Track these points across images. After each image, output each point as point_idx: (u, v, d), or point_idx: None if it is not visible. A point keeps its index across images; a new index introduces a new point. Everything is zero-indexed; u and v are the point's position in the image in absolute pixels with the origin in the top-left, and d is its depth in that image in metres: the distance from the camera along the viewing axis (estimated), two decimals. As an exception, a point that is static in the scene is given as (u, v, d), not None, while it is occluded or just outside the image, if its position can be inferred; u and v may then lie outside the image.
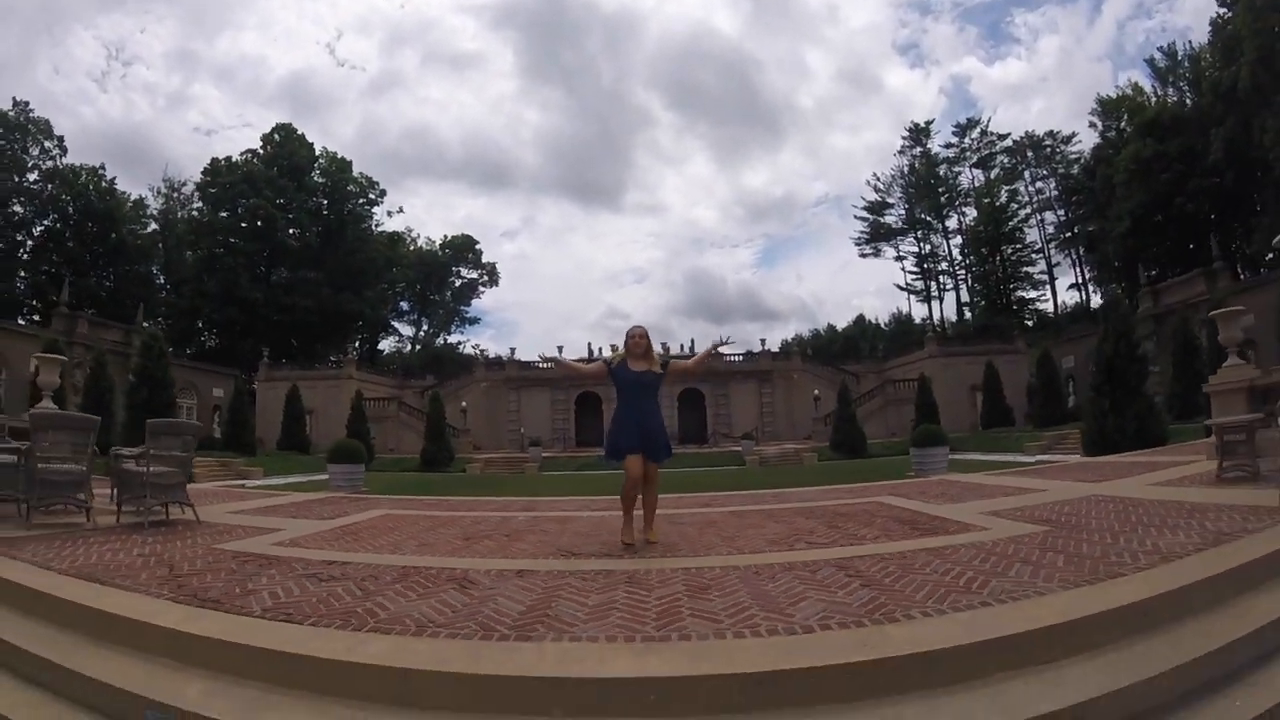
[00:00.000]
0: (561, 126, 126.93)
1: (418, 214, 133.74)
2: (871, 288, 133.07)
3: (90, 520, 7.58)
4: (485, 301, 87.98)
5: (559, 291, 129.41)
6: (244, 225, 59.34)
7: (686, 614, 3.79)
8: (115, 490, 7.97)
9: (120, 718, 3.21)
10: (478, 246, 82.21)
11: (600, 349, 50.74)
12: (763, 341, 54.17)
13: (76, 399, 22.73)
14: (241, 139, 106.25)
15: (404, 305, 78.31)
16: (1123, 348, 17.32)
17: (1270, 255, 41.35)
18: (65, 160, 54.31)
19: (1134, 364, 17.21)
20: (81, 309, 39.46)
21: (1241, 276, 36.96)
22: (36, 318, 45.69)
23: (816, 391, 43.85)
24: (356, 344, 64.91)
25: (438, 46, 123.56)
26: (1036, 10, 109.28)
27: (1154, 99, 54.13)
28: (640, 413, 6.14)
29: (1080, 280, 65.25)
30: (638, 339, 6.29)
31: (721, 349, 8.49)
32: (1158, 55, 55.95)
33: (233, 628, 3.71)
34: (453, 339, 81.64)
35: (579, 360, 43.52)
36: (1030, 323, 62.49)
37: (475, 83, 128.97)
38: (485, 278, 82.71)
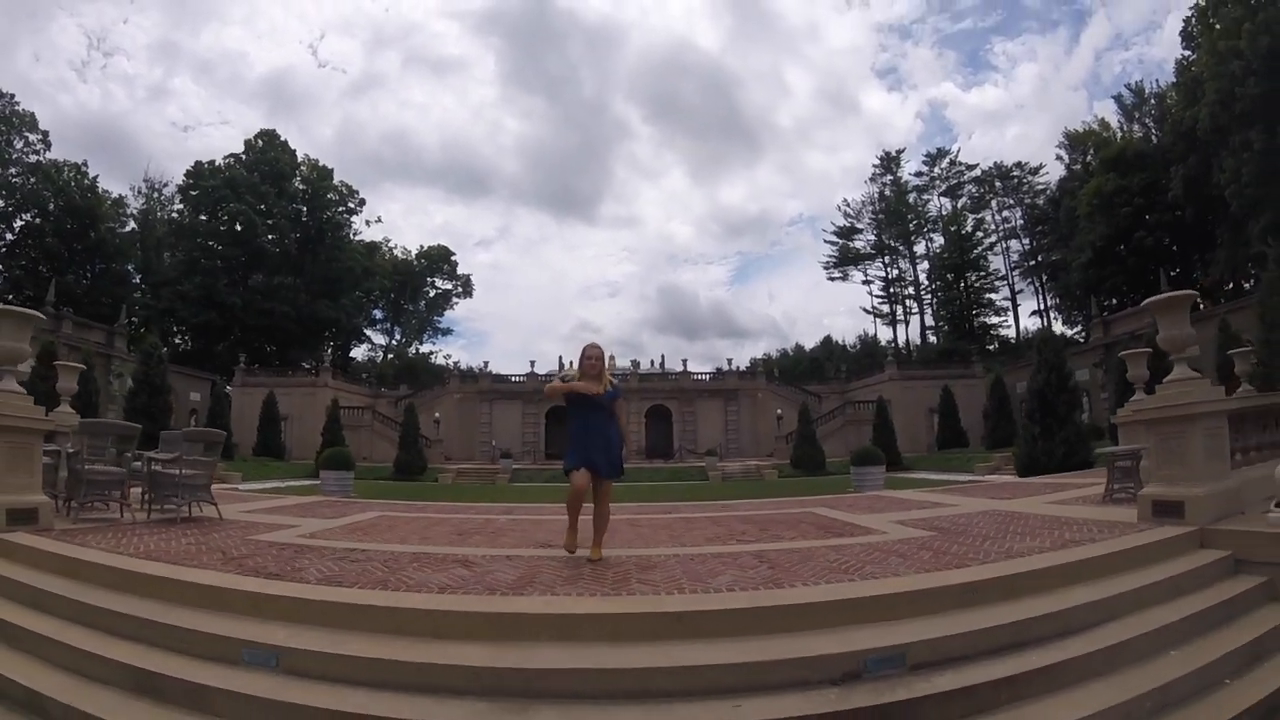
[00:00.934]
0: (541, 135, 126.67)
1: (394, 219, 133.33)
2: (842, 308, 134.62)
3: (123, 516, 8.71)
4: (458, 311, 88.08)
5: (532, 303, 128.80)
6: (224, 229, 59.89)
7: (634, 581, 5.28)
8: (147, 490, 9.05)
9: (220, 658, 4.34)
10: (453, 258, 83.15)
11: (570, 362, 51.98)
12: (729, 361, 56.06)
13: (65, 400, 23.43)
14: (218, 136, 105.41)
15: (377, 314, 78.80)
16: (1054, 379, 18.86)
17: (1228, 287, 43.37)
18: (48, 155, 54.54)
19: (1064, 394, 18.73)
20: (64, 309, 39.82)
21: (1199, 307, 38.80)
22: None
23: (779, 410, 45.37)
24: (330, 351, 65.28)
25: (420, 50, 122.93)
26: (1016, 39, 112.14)
27: (1120, 134, 56.29)
28: (590, 430, 6.28)
29: (1042, 307, 67.30)
30: (593, 360, 6.38)
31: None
32: (1125, 92, 58.43)
33: (299, 591, 5.00)
34: (425, 348, 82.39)
35: (538, 388, 44.68)
36: (992, 348, 64.07)
37: (456, 88, 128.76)
38: (460, 289, 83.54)
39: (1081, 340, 48.58)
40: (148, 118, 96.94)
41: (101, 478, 8.48)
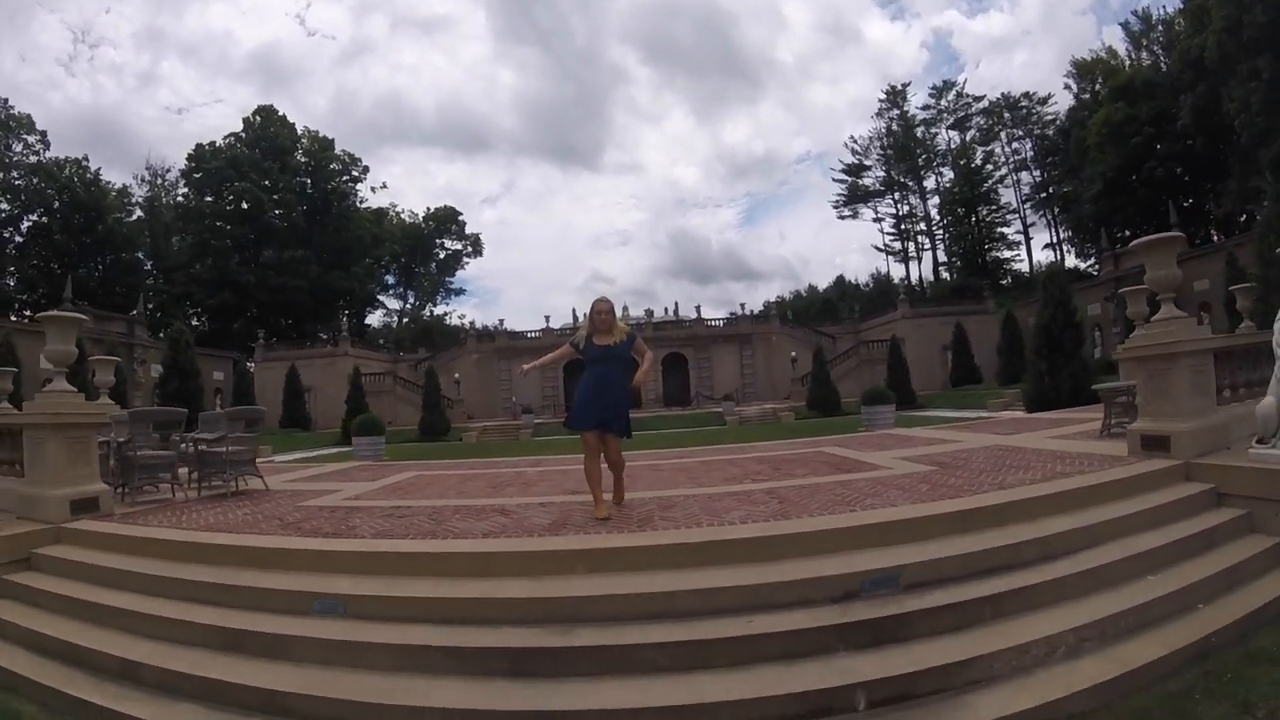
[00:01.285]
0: (537, 87, 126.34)
1: (397, 183, 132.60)
2: (855, 245, 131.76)
3: (174, 495, 9.30)
4: (468, 271, 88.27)
5: (542, 257, 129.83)
6: (231, 209, 60.41)
7: (657, 519, 5.89)
8: (195, 469, 9.63)
9: (294, 611, 4.93)
10: (461, 217, 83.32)
11: (583, 314, 52.49)
12: (743, 305, 56.41)
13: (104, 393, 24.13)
14: (213, 115, 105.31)
15: (389, 279, 79.33)
16: (1059, 315, 19.18)
17: (1241, 218, 42.99)
18: (49, 154, 55.12)
19: (1069, 329, 19.05)
20: (81, 302, 40.50)
21: (1213, 238, 38.65)
22: (28, 313, 46.47)
23: (794, 353, 45.75)
24: (346, 320, 65.80)
25: (408, 10, 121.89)
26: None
27: (1128, 63, 55.28)
28: (603, 386, 6.23)
29: (1055, 240, 66.98)
30: (603, 315, 6.36)
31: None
32: (1132, 19, 57.21)
33: (357, 546, 5.62)
34: (439, 310, 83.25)
35: (554, 344, 45.06)
36: (1006, 282, 63.83)
37: (447, 46, 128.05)
38: (469, 248, 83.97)
39: (1094, 274, 48.52)
40: (140, 105, 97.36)
41: (153, 462, 9.07)
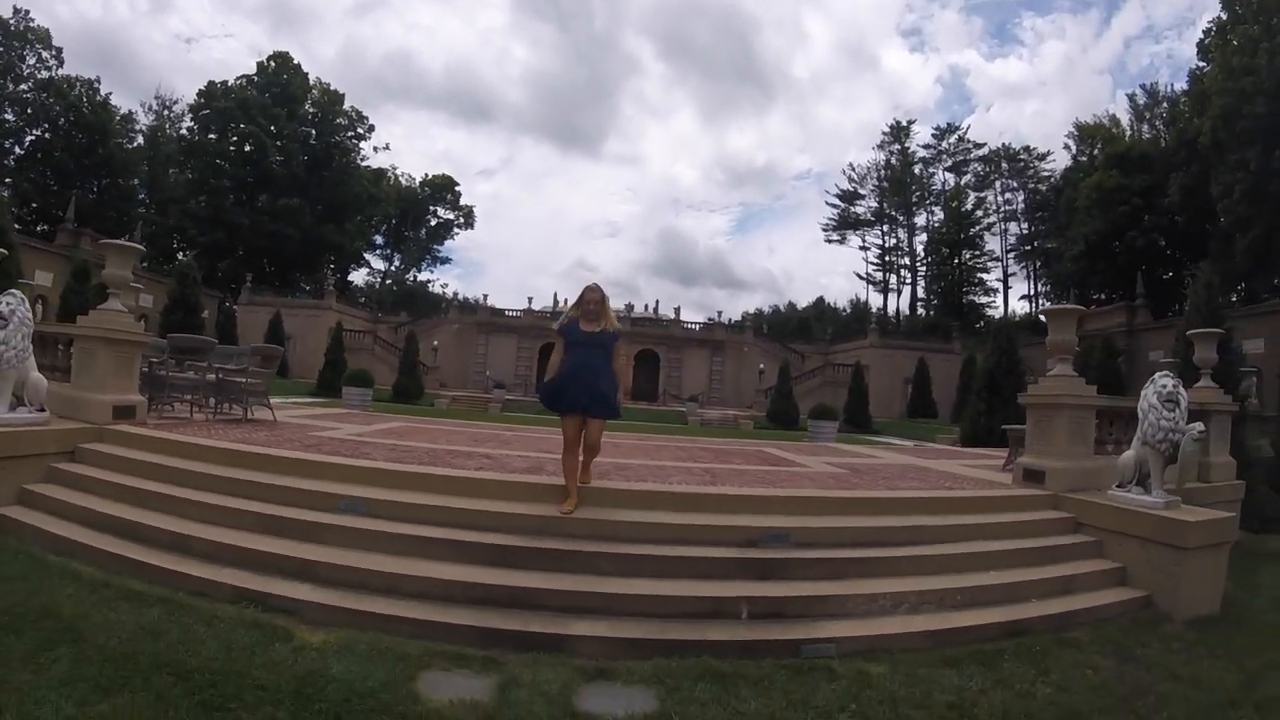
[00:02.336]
0: (549, 65, 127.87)
1: (396, 143, 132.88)
2: (840, 268, 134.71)
3: (192, 416, 10.50)
4: (456, 241, 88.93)
5: (531, 237, 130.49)
6: (234, 150, 60.69)
7: (613, 475, 7.35)
8: (214, 395, 10.88)
9: (322, 508, 6.23)
10: (457, 188, 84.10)
11: (565, 299, 53.81)
12: (719, 313, 57.93)
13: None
14: (220, 49, 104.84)
15: (378, 239, 79.70)
16: (1004, 362, 20.68)
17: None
18: (61, 71, 55.09)
19: (1010, 376, 20.52)
20: (78, 225, 40.95)
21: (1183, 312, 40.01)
22: (17, 226, 46.52)
23: (762, 365, 47.39)
24: (331, 274, 66.38)
25: None
26: (1046, 16, 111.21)
27: (1129, 132, 56.95)
28: (584, 370, 6.21)
29: (1032, 293, 68.53)
30: (594, 303, 6.35)
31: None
32: (1139, 91, 58.91)
33: (374, 464, 7.02)
34: (423, 276, 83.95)
35: (533, 324, 46.05)
36: (980, 325, 65.29)
37: (464, 11, 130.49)
38: (461, 219, 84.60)
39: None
40: (149, 29, 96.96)
41: (181, 383, 10.33)
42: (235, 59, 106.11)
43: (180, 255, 60.34)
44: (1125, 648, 5.54)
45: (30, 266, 27.76)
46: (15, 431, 7.18)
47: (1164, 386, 7.17)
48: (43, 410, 7.77)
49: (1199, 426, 7.25)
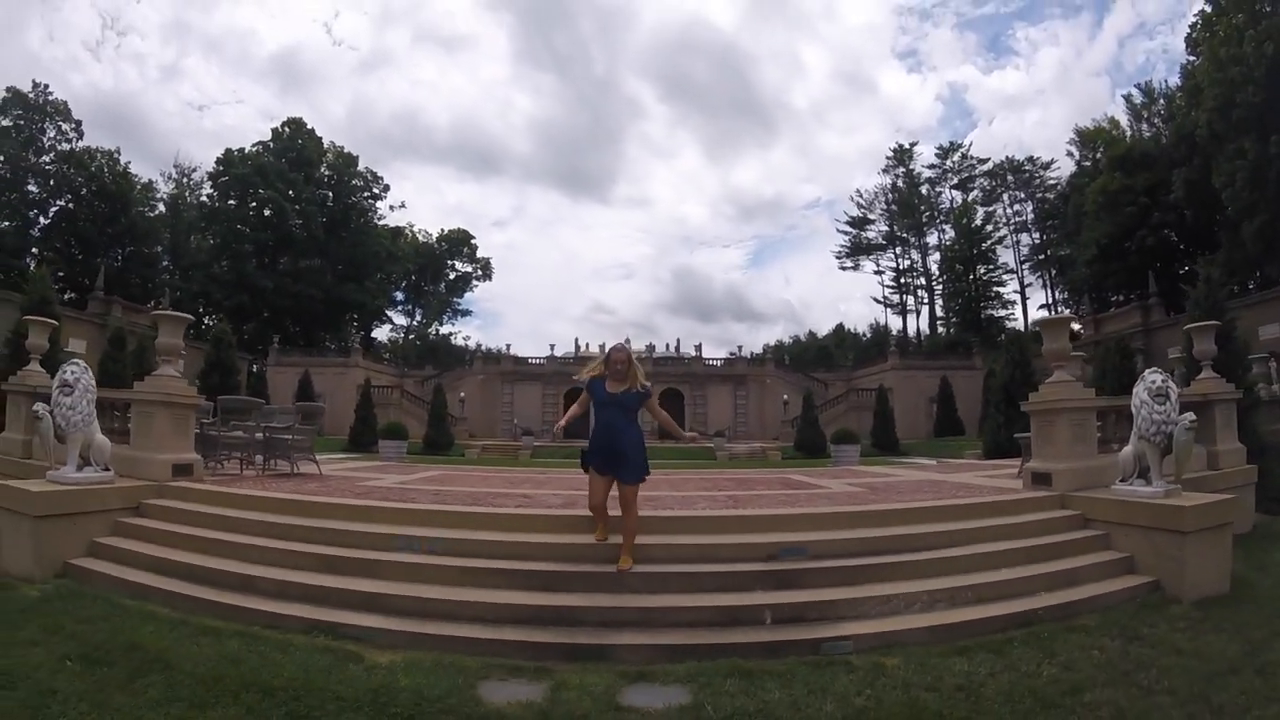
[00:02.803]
0: (553, 114, 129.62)
1: (409, 198, 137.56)
2: (858, 293, 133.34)
3: (242, 471, 11.22)
4: (475, 293, 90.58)
5: (545, 283, 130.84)
6: (254, 214, 62.31)
7: (643, 503, 7.65)
8: (261, 452, 11.57)
9: (379, 547, 6.82)
10: (473, 241, 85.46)
11: (586, 344, 54.75)
12: (739, 347, 58.56)
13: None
14: (232, 115, 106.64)
15: (398, 295, 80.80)
16: (1018, 374, 21.13)
17: (1232, 289, 44.04)
18: (81, 143, 56.61)
19: (1025, 387, 20.84)
20: (105, 292, 42.10)
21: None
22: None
23: (786, 396, 47.67)
24: (355, 331, 67.70)
25: (430, 27, 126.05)
26: (1038, 25, 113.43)
27: (1129, 133, 56.94)
28: (611, 431, 6.35)
29: (1050, 301, 68.12)
30: (620, 363, 6.43)
31: (691, 442, 10.25)
32: (1135, 92, 59.12)
33: (423, 506, 7.57)
34: (445, 329, 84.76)
35: (556, 371, 46.83)
36: (1001, 339, 64.71)
37: (467, 65, 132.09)
38: (479, 272, 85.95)
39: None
40: (160, 96, 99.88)
41: (232, 441, 11.03)
42: (248, 123, 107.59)
43: (207, 319, 61.87)
44: (1131, 629, 5.88)
45: (65, 335, 28.35)
46: (84, 490, 7.87)
47: (1153, 382, 7.60)
48: (107, 469, 8.41)
49: (1190, 417, 7.64)
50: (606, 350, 6.66)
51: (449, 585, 6.12)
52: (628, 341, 53.46)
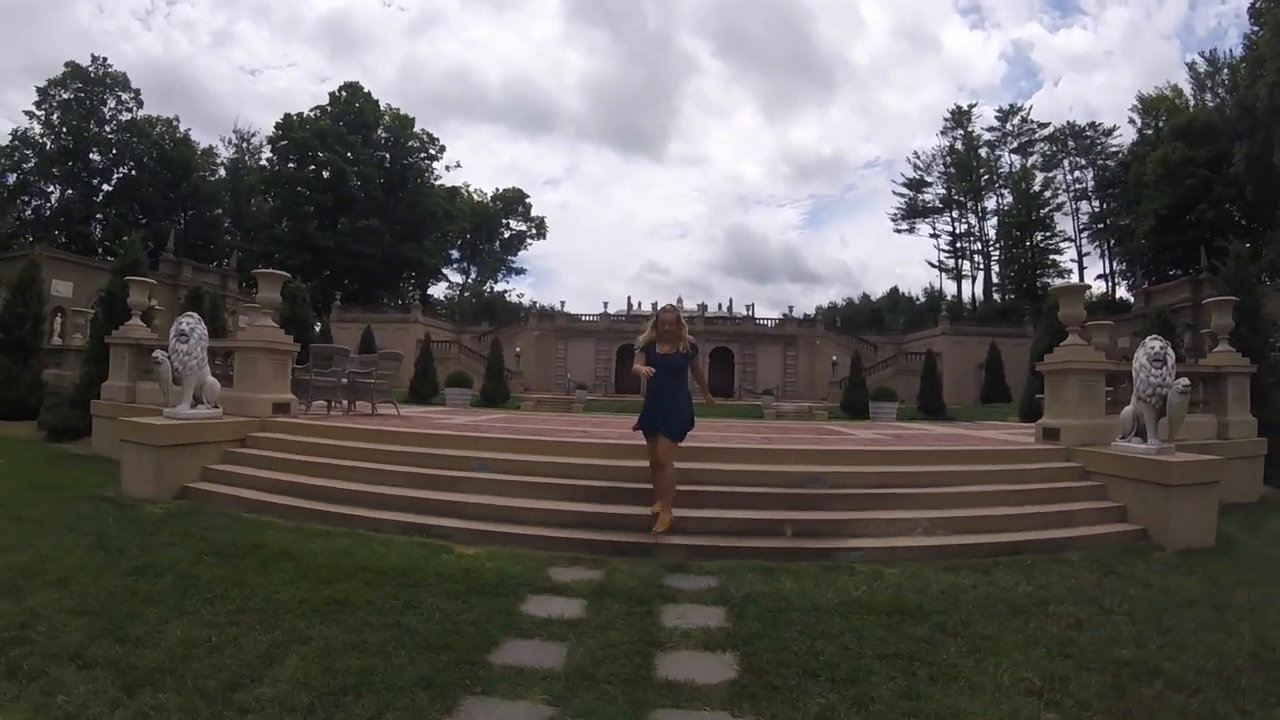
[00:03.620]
0: (606, 71, 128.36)
1: (463, 158, 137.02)
2: (916, 256, 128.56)
3: (330, 410, 12.48)
4: (529, 251, 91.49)
5: (600, 243, 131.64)
6: (313, 177, 64.28)
7: (688, 440, 8.72)
8: (345, 394, 12.82)
9: (458, 467, 8.04)
10: (528, 199, 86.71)
11: (639, 303, 55.80)
12: (790, 309, 58.94)
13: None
14: (284, 79, 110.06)
15: (454, 253, 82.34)
16: (1056, 341, 21.51)
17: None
18: (141, 112, 58.90)
19: (1062, 352, 21.42)
20: (177, 255, 43.90)
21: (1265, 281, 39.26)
22: (110, 257, 48.98)
23: (835, 357, 48.24)
24: (413, 288, 69.60)
25: None
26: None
27: (1192, 103, 55.72)
28: (662, 393, 6.74)
29: (1108, 271, 67.53)
30: (669, 323, 6.71)
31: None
32: (1199, 59, 57.58)
33: (495, 437, 8.75)
34: (500, 287, 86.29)
35: (610, 327, 47.81)
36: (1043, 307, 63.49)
37: (518, 24, 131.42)
38: (534, 230, 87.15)
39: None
40: (213, 63, 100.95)
41: (323, 384, 12.27)
42: (300, 86, 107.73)
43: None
44: (1110, 565, 6.61)
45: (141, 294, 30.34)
46: (198, 423, 9.12)
47: (1152, 348, 8.34)
48: (217, 407, 9.67)
49: (1184, 382, 8.34)
50: (656, 311, 6.94)
51: (518, 496, 7.29)
52: (680, 301, 55.01)
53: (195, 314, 9.78)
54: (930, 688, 3.88)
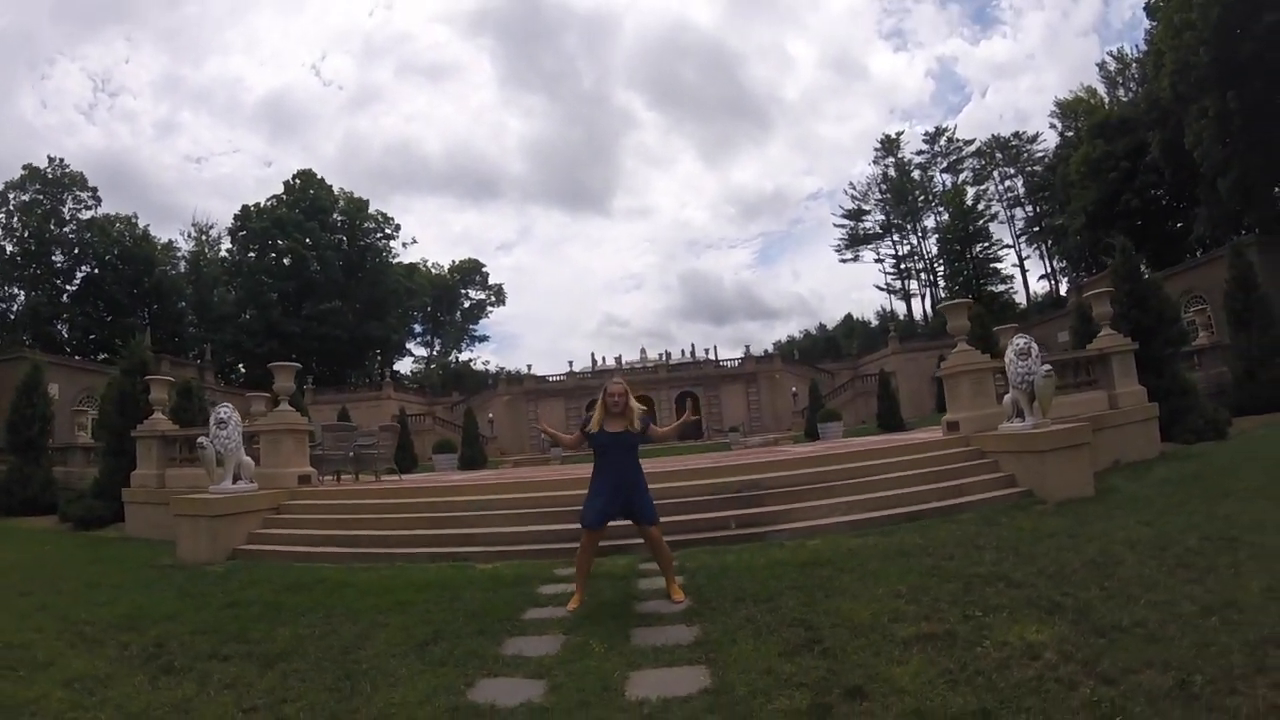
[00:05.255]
0: (546, 133, 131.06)
1: (413, 231, 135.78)
2: (867, 281, 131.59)
3: (339, 480, 14.19)
4: (490, 318, 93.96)
5: (558, 301, 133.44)
6: (274, 264, 65.48)
7: (653, 464, 10.59)
8: (352, 465, 14.55)
9: (469, 509, 9.86)
10: (484, 269, 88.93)
11: (602, 358, 57.73)
12: (747, 348, 61.28)
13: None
14: (229, 164, 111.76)
15: (417, 327, 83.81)
16: (981, 348, 23.81)
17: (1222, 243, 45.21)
18: (100, 210, 59.78)
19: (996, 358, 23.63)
20: (153, 349, 44.56)
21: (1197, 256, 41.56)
22: (78, 356, 49.92)
23: (794, 389, 50.29)
24: (379, 365, 70.97)
25: (413, 59, 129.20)
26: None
27: (1106, 101, 59.29)
28: (621, 472, 6.26)
29: (1049, 271, 70.71)
30: (616, 397, 6.25)
31: (692, 418, 11.37)
32: (1109, 59, 61.62)
33: (490, 483, 10.59)
34: (464, 356, 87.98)
35: (576, 386, 49.37)
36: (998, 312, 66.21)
37: (454, 93, 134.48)
38: (492, 298, 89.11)
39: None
40: (157, 152, 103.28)
41: (334, 456, 14.00)
42: (245, 171, 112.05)
43: (240, 367, 65.13)
44: (993, 518, 8.23)
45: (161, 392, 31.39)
46: (240, 496, 10.79)
47: (1018, 344, 10.22)
48: (253, 482, 11.34)
49: (1047, 368, 10.19)
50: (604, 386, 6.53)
51: (519, 524, 9.15)
52: (644, 353, 57.01)
53: (229, 404, 11.48)
54: (824, 600, 5.67)
